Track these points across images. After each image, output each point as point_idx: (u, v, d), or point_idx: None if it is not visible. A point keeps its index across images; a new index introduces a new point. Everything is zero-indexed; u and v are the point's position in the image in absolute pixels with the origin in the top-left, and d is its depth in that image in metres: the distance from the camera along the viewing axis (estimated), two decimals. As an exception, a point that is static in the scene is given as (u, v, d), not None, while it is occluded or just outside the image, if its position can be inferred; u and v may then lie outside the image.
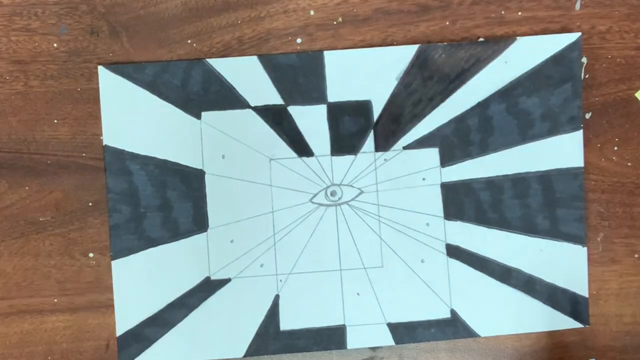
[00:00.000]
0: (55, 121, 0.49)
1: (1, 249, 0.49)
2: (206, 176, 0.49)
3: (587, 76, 0.50)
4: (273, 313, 0.50)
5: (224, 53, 0.49)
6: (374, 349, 0.50)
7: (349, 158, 0.50)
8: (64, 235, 0.49)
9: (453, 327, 0.50)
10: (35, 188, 0.49)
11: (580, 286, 0.50)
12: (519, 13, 0.50)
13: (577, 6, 0.50)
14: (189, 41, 0.49)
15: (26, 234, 0.49)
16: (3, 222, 0.49)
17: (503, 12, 0.50)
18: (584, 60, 0.50)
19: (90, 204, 0.49)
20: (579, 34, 0.50)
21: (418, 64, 0.49)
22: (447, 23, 0.50)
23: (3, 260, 0.49)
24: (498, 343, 0.50)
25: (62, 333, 0.49)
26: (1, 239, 0.49)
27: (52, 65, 0.49)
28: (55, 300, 0.49)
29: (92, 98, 0.49)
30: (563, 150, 0.49)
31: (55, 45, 0.49)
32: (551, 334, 0.50)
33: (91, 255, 0.49)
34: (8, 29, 0.49)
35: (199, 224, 0.49)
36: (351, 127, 0.49)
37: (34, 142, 0.49)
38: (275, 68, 0.48)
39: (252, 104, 0.49)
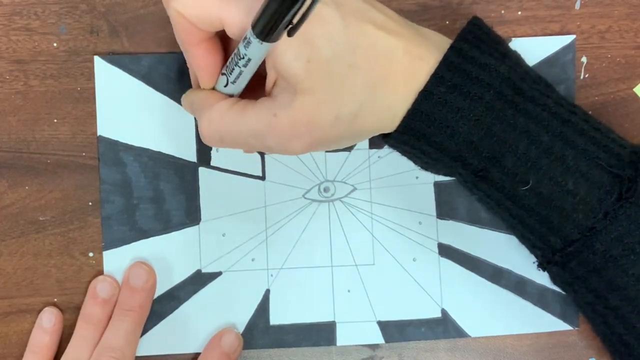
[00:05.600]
0: (55, 120, 0.49)
1: (1, 248, 0.49)
2: (199, 169, 0.49)
3: (586, 76, 0.50)
4: (263, 307, 0.50)
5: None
6: (373, 348, 0.50)
7: (342, 154, 0.50)
8: (63, 234, 0.49)
9: (443, 327, 0.49)
10: (35, 187, 0.49)
11: (571, 288, 0.49)
12: (519, 12, 0.50)
13: (577, 5, 0.49)
14: (189, 39, 0.49)
15: (26, 233, 0.49)
16: (3, 221, 0.49)
17: (503, 12, 0.50)
18: (584, 59, 0.50)
19: (90, 203, 0.49)
20: (574, 36, 0.49)
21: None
22: (447, 22, 0.50)
23: (3, 260, 0.49)
24: (498, 342, 0.50)
25: (60, 331, 0.50)
26: (1, 239, 0.49)
27: (52, 64, 0.49)
28: (55, 299, 0.49)
29: (92, 97, 0.49)
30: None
31: (55, 44, 0.49)
32: (551, 334, 0.50)
33: (91, 254, 0.49)
34: (8, 28, 0.49)
35: (191, 216, 0.49)
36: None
37: (34, 141, 0.49)
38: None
39: (247, 98, 0.49)
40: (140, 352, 0.49)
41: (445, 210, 0.50)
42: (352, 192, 0.50)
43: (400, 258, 0.50)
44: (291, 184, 0.50)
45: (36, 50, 0.49)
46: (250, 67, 0.39)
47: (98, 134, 0.49)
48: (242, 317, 0.50)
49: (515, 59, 0.41)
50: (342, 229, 0.50)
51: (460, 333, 0.50)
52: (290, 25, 0.34)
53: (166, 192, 0.49)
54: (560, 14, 0.50)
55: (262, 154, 0.50)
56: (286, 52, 0.38)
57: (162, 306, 0.49)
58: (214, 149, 0.49)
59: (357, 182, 0.50)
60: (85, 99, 0.49)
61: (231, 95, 0.43)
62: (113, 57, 0.49)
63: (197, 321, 0.49)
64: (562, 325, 0.49)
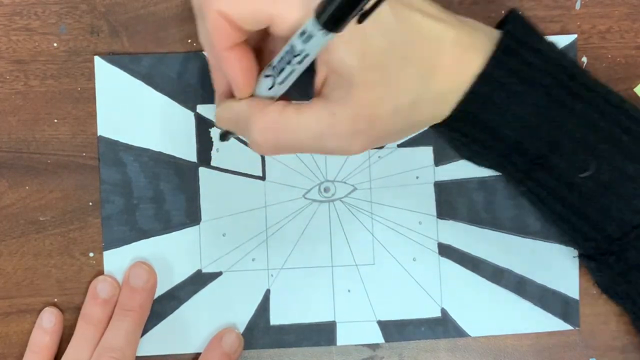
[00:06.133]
0: (55, 121, 0.49)
1: (1, 248, 0.49)
2: (200, 169, 0.49)
3: (587, 76, 0.50)
4: (263, 308, 0.50)
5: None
6: (373, 348, 0.50)
7: (343, 154, 0.50)
8: (64, 234, 0.49)
9: (443, 326, 0.50)
10: (35, 187, 0.49)
11: (571, 288, 0.49)
12: (519, 13, 0.49)
13: (577, 5, 0.50)
14: (189, 40, 0.49)
15: (26, 233, 0.49)
16: (3, 221, 0.49)
17: (503, 12, 0.50)
18: (584, 59, 0.50)
19: (91, 203, 0.49)
20: (574, 36, 0.49)
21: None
22: (448, 22, 0.50)
23: (3, 260, 0.49)
24: (498, 342, 0.50)
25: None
26: (1, 239, 0.49)
27: (52, 64, 0.49)
28: (56, 299, 0.49)
29: (92, 97, 0.49)
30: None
31: (55, 44, 0.49)
32: (551, 334, 0.50)
33: (91, 254, 0.49)
34: (8, 28, 0.49)
35: (192, 216, 0.49)
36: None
37: (34, 141, 0.49)
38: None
39: (247, 98, 0.49)
40: (141, 352, 0.49)
41: (445, 210, 0.50)
42: (352, 192, 0.50)
43: (400, 258, 0.50)
44: (291, 184, 0.50)
45: (36, 50, 0.49)
46: (304, 64, 0.37)
47: (98, 134, 0.49)
48: (242, 317, 0.50)
49: (559, 49, 0.41)
50: (342, 229, 0.50)
51: (460, 333, 0.50)
52: (362, 11, 0.32)
53: (166, 192, 0.49)
54: (560, 14, 0.50)
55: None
56: (339, 47, 0.36)
57: (163, 306, 0.49)
58: (214, 149, 0.49)
59: (357, 182, 0.50)
60: (85, 99, 0.49)
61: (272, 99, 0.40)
62: (113, 57, 0.49)
63: (197, 321, 0.49)
64: (563, 325, 0.50)
